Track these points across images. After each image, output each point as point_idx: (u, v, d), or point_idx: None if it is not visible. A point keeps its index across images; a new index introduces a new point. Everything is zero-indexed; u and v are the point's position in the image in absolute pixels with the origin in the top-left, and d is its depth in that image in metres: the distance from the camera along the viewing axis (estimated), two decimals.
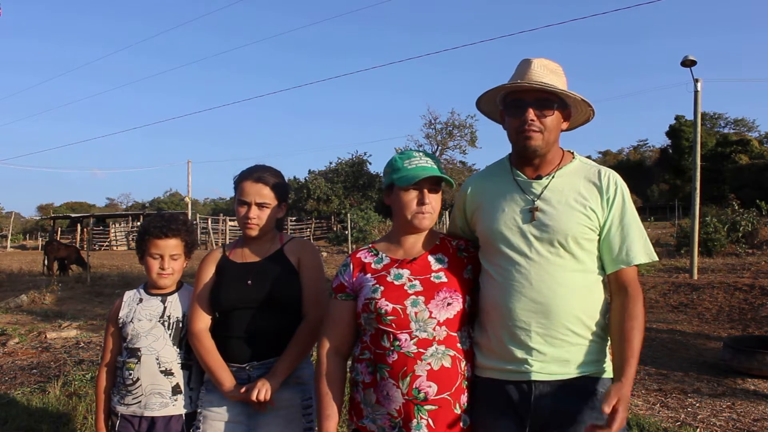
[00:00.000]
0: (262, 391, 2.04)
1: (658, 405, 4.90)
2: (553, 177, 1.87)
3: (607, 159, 59.46)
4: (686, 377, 5.81)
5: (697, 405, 4.91)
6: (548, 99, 1.82)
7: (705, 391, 5.34)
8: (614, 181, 1.86)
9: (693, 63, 12.21)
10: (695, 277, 11.61)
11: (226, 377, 2.12)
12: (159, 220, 2.37)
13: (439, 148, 39.17)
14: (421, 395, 1.77)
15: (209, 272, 2.27)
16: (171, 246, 2.34)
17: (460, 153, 40.32)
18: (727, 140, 43.68)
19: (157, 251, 2.33)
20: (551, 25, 49.29)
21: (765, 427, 4.38)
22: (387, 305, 1.82)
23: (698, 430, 4.28)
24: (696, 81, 12.54)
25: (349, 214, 28.01)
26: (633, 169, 48.81)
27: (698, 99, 12.61)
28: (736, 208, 17.69)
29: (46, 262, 18.10)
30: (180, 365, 2.30)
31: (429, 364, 1.78)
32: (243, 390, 2.07)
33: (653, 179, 47.24)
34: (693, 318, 8.99)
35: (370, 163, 39.26)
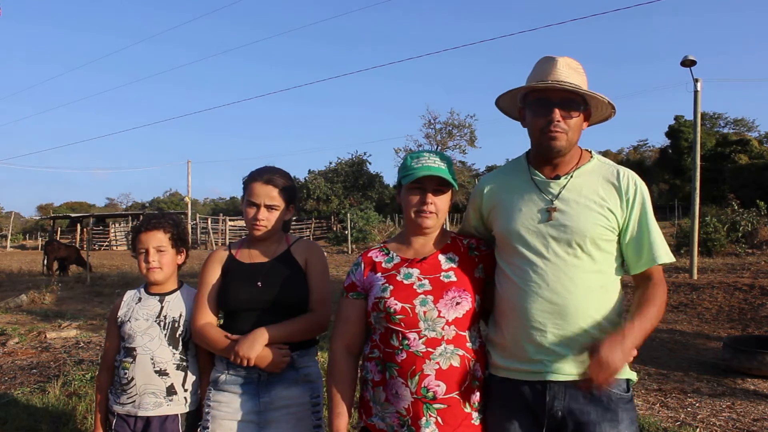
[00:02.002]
0: (247, 350, 2.04)
1: (658, 405, 4.90)
2: (571, 177, 1.86)
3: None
4: (686, 377, 5.81)
5: (697, 405, 4.91)
6: (574, 100, 1.81)
7: (705, 391, 5.34)
8: (633, 181, 1.85)
9: (693, 63, 12.20)
10: (695, 277, 11.60)
11: (231, 340, 2.12)
12: (145, 218, 2.41)
13: (439, 147, 39.15)
14: (430, 394, 1.78)
15: (215, 272, 2.26)
16: (155, 239, 2.34)
17: (460, 153, 40.35)
18: (727, 140, 43.67)
19: (141, 246, 2.34)
20: (551, 25, 49.31)
21: (765, 427, 4.38)
22: (396, 304, 1.83)
23: (698, 430, 4.28)
24: (696, 81, 12.53)
25: (348, 214, 28.00)
26: (633, 169, 48.05)
27: (698, 99, 12.60)
28: (736, 208, 17.68)
29: (45, 261, 18.10)
30: (176, 366, 2.29)
31: (438, 363, 1.79)
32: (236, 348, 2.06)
33: (653, 179, 47.21)
34: (693, 318, 8.99)
35: (370, 163, 39.32)
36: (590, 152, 1.94)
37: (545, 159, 1.87)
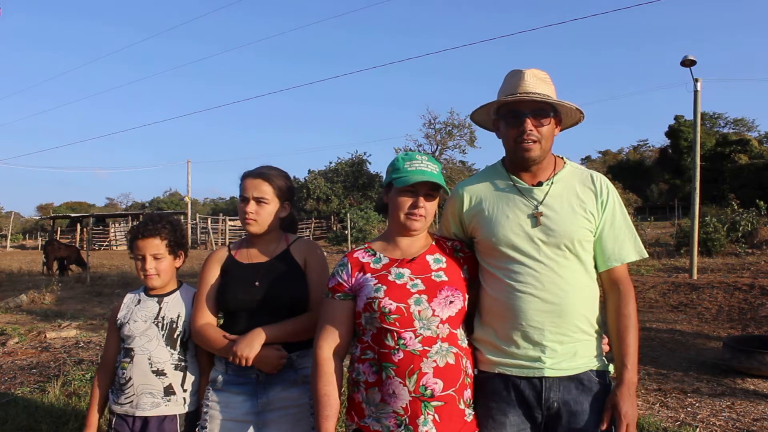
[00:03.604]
0: (245, 349, 2.05)
1: (658, 405, 4.91)
2: (552, 183, 1.95)
3: (607, 159, 59.46)
4: (686, 377, 5.81)
5: (697, 405, 4.91)
6: (544, 109, 1.91)
7: (705, 390, 5.34)
8: (606, 184, 1.98)
9: (693, 63, 12.21)
10: (695, 276, 11.61)
11: (230, 340, 2.12)
12: (143, 221, 2.37)
13: (439, 147, 39.17)
14: (428, 392, 1.79)
15: (214, 272, 2.26)
16: (152, 246, 2.32)
17: (460, 153, 40.37)
18: (727, 140, 43.66)
19: (138, 252, 2.33)
20: (551, 25, 49.43)
21: (765, 427, 4.39)
22: (391, 304, 1.84)
23: (698, 429, 4.29)
24: (696, 81, 12.53)
25: (348, 214, 28.02)
26: (633, 169, 48.87)
27: (698, 99, 12.61)
28: (736, 207, 17.68)
29: (46, 261, 18.10)
30: (174, 366, 2.29)
31: (435, 361, 1.81)
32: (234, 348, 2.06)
33: (653, 179, 47.27)
34: (693, 318, 8.99)
35: (369, 163, 39.31)
36: (563, 158, 2.04)
37: (522, 167, 1.97)
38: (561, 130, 2.04)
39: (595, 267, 1.96)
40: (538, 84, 1.91)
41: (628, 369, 1.86)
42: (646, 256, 2.01)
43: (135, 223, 2.47)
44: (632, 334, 1.90)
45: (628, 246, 1.94)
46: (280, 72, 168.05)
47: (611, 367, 1.97)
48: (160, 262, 2.34)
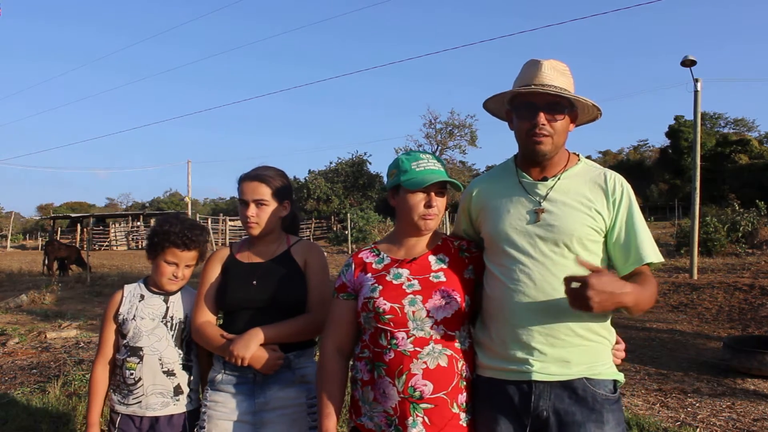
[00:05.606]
0: (241, 349, 2.05)
1: (658, 405, 4.91)
2: (558, 179, 1.87)
3: (607, 159, 59.48)
4: (686, 377, 5.82)
5: (697, 405, 4.91)
6: (559, 103, 1.81)
7: (705, 391, 5.34)
8: (620, 183, 1.86)
9: (693, 63, 12.21)
10: (695, 277, 11.61)
11: (227, 339, 2.12)
12: (180, 227, 2.30)
13: (439, 147, 39.22)
14: (417, 393, 1.77)
15: (215, 271, 2.27)
16: (189, 257, 2.33)
17: (460, 153, 40.48)
18: (727, 140, 43.69)
19: (174, 259, 2.30)
20: (551, 25, 49.41)
21: (765, 427, 4.39)
22: (385, 304, 1.83)
23: (698, 430, 4.29)
24: (696, 81, 12.54)
25: (349, 214, 28.03)
26: (633, 169, 48.81)
27: (698, 99, 12.61)
28: (736, 208, 17.70)
29: (46, 261, 18.11)
30: (182, 366, 2.29)
31: (425, 362, 1.78)
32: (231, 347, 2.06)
33: (653, 179, 47.24)
34: (693, 318, 8.99)
35: (370, 163, 39.44)
36: (578, 155, 1.96)
37: (532, 162, 1.89)
38: (576, 126, 1.93)
39: (614, 269, 1.83)
40: (556, 76, 1.81)
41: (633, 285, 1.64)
42: (662, 259, 1.86)
43: (163, 222, 2.34)
44: (649, 288, 1.71)
45: (646, 247, 1.79)
46: (280, 73, 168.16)
47: (621, 377, 1.83)
48: (188, 270, 2.35)
